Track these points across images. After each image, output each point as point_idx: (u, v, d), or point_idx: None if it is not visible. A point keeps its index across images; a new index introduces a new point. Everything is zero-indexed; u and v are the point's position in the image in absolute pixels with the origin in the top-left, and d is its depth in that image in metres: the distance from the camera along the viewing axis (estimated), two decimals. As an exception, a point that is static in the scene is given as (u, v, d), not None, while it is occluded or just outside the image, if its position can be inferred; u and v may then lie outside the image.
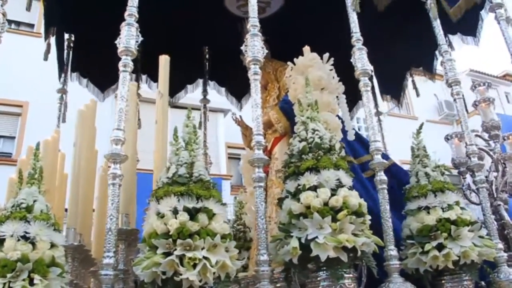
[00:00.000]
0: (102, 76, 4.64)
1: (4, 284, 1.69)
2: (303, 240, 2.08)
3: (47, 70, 4.79)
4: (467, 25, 4.08)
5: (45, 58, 4.02)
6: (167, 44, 4.26)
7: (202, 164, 2.18)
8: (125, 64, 2.35)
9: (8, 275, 1.70)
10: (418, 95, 4.78)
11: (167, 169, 2.12)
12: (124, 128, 2.18)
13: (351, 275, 2.15)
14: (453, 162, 3.73)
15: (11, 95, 10.53)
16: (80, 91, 4.68)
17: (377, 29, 4.07)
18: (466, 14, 3.68)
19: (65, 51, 4.23)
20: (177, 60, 3.39)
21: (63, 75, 4.13)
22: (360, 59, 2.80)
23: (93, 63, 4.50)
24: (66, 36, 4.30)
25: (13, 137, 10.71)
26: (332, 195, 2.17)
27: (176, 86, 5.19)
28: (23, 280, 1.72)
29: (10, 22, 11.02)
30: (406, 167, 3.14)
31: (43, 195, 2.02)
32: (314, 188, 2.20)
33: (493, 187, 3.57)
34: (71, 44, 4.30)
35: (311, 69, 3.05)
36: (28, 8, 3.43)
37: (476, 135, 3.77)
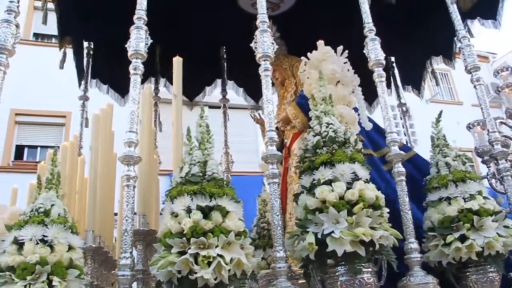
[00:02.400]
0: (122, 82, 4.70)
1: (25, 286, 1.73)
2: (319, 235, 2.06)
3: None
4: (486, 8, 3.95)
5: (61, 67, 4.11)
6: (184, 47, 4.27)
7: (215, 162, 2.18)
8: (136, 67, 2.36)
9: (28, 278, 1.74)
10: (437, 84, 4.70)
11: (180, 169, 2.13)
12: (137, 130, 2.20)
13: (370, 269, 2.11)
14: (476, 151, 3.63)
15: (54, 106, 10.83)
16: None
17: (397, 18, 3.98)
18: None
19: (85, 59, 4.32)
20: (194, 61, 3.39)
21: (83, 82, 4.22)
22: (374, 50, 2.73)
23: (111, 69, 4.53)
24: (86, 44, 4.39)
25: (58, 147, 10.97)
26: (348, 188, 2.13)
27: (196, 88, 5.22)
28: (43, 282, 1.75)
29: (51, 36, 11.43)
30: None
31: (61, 199, 2.07)
32: (329, 182, 2.16)
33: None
34: (90, 52, 4.39)
35: (325, 63, 3.01)
36: (44, 21, 3.51)
37: (501, 122, 3.65)
